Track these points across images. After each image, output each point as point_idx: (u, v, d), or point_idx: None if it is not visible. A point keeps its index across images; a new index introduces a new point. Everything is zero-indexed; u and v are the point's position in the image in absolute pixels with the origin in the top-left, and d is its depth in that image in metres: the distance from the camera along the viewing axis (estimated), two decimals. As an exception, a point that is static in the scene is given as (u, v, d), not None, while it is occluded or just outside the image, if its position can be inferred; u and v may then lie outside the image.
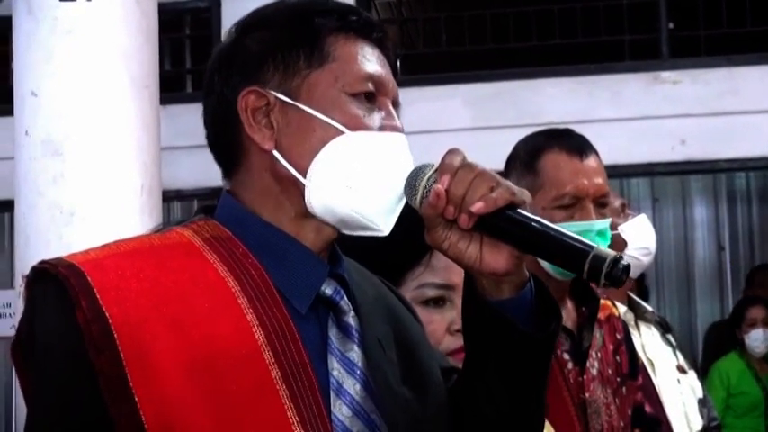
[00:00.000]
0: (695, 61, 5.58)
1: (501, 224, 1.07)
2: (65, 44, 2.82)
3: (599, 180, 1.96)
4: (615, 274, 1.04)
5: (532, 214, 1.09)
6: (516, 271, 1.11)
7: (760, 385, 4.70)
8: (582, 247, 1.06)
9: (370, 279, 1.26)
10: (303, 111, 1.13)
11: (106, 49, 2.85)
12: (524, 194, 1.09)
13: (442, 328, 1.52)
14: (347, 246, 1.21)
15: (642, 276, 4.59)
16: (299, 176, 1.12)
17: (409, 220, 1.14)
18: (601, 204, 1.97)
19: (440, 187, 1.08)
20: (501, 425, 1.21)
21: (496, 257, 1.10)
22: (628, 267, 1.05)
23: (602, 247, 1.06)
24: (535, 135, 2.06)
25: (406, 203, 1.14)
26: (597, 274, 1.04)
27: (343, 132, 1.11)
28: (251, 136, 1.14)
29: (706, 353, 5.43)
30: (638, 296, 3.26)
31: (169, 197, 4.61)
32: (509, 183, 1.08)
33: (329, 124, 1.12)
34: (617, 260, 1.04)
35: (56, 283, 1.05)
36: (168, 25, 4.60)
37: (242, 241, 1.13)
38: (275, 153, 1.13)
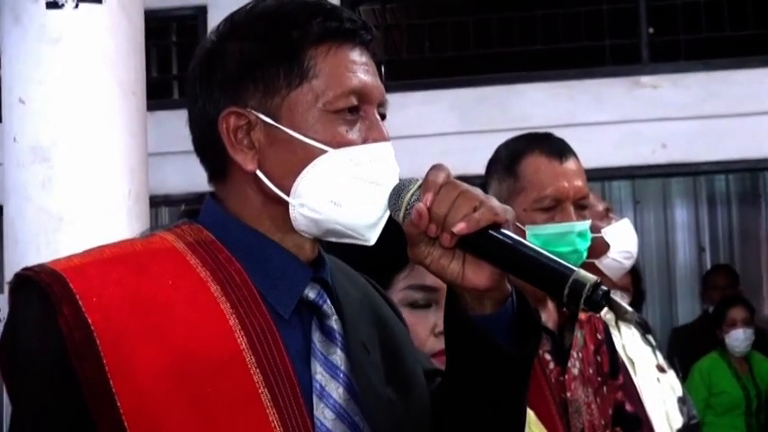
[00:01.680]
0: (675, 66, 5.59)
1: (483, 243, 1.07)
2: (52, 51, 2.82)
3: (579, 182, 1.97)
4: (595, 299, 1.03)
5: (515, 234, 1.09)
6: (498, 287, 1.11)
7: (740, 384, 4.72)
8: (562, 270, 1.05)
9: (355, 280, 1.26)
10: (285, 132, 1.10)
11: (93, 56, 2.84)
12: (507, 213, 1.08)
13: (427, 330, 1.53)
14: (337, 249, 1.21)
15: (639, 279, 4.60)
16: (282, 195, 1.11)
17: (397, 225, 1.12)
18: (581, 206, 1.97)
19: (422, 206, 1.06)
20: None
21: (478, 274, 1.09)
22: (607, 293, 1.05)
23: (582, 271, 1.05)
24: (516, 139, 2.07)
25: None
26: (577, 298, 1.03)
27: (325, 151, 1.09)
28: (233, 157, 1.12)
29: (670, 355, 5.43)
30: (635, 299, 3.27)
31: (156, 202, 4.59)
32: (493, 201, 1.07)
33: (312, 145, 1.09)
34: (597, 285, 1.03)
35: (38, 290, 1.04)
36: (155, 32, 4.60)
37: (225, 245, 1.12)
38: (258, 173, 1.12)
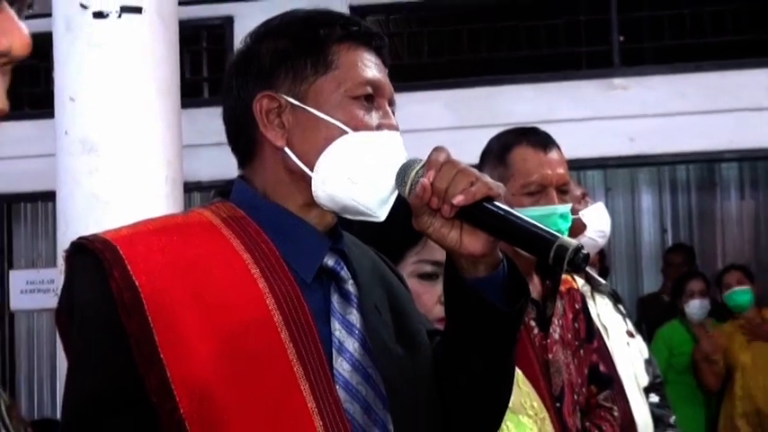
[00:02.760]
0: (642, 69, 5.58)
1: (478, 214, 1.07)
2: (98, 56, 2.81)
3: (561, 170, 1.97)
4: (576, 262, 1.03)
5: (506, 206, 1.09)
6: (491, 253, 1.11)
7: (696, 346, 4.72)
8: (548, 236, 1.05)
9: (367, 252, 1.26)
10: (310, 112, 1.12)
11: (134, 59, 2.83)
12: (500, 188, 1.08)
13: (434, 299, 1.53)
14: (358, 228, 1.21)
15: (603, 256, 4.61)
16: (307, 170, 1.11)
17: (408, 207, 1.12)
18: (563, 191, 1.97)
19: (426, 181, 1.07)
20: (473, 393, 1.20)
21: (474, 242, 1.09)
22: (587, 256, 1.04)
23: (566, 237, 1.05)
24: (506, 132, 2.06)
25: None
26: (561, 260, 1.03)
27: (346, 132, 1.10)
28: (265, 134, 1.13)
29: (639, 320, 5.44)
30: (601, 273, 3.28)
31: (190, 188, 4.59)
32: (487, 178, 1.08)
33: (334, 124, 1.11)
34: (578, 249, 1.03)
35: (92, 256, 1.04)
36: (188, 39, 4.58)
37: (254, 220, 1.13)
38: (286, 150, 1.12)
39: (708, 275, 5.17)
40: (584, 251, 1.04)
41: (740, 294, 4.56)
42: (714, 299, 4.94)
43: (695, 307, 4.69)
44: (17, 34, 0.63)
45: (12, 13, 0.64)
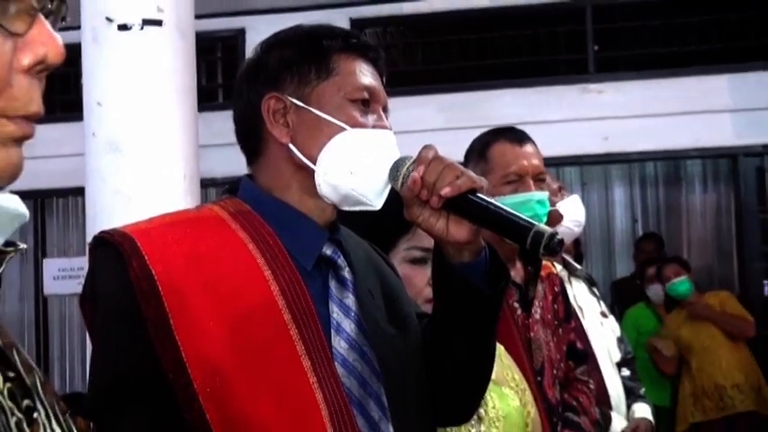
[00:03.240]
0: (615, 76, 5.57)
1: (463, 205, 1.07)
2: (122, 65, 2.80)
3: (536, 161, 1.97)
4: (551, 246, 1.03)
5: (488, 197, 1.09)
6: (474, 241, 1.11)
7: (661, 325, 4.72)
8: (526, 224, 1.05)
9: (362, 243, 1.26)
10: (313, 113, 1.12)
11: (155, 68, 2.83)
12: (482, 181, 1.09)
13: (424, 281, 1.53)
14: (354, 219, 1.21)
15: (579, 244, 4.61)
16: (310, 164, 1.12)
17: (401, 200, 1.13)
18: (539, 180, 1.97)
19: (416, 175, 1.07)
20: (458, 368, 1.20)
21: (459, 230, 1.09)
22: (561, 241, 1.05)
23: (542, 224, 1.05)
24: (485, 132, 2.07)
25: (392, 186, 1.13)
26: (537, 245, 1.03)
27: (344, 129, 1.11)
28: (271, 132, 1.14)
29: (612, 302, 5.44)
30: (576, 259, 3.28)
31: (206, 184, 4.57)
32: (471, 172, 1.08)
33: (334, 123, 1.11)
34: (553, 235, 1.03)
35: (113, 248, 1.04)
36: (204, 49, 4.56)
37: (259, 214, 1.13)
38: (291, 146, 1.13)
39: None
40: (558, 237, 1.04)
41: (679, 285, 4.54)
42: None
43: (656, 290, 4.68)
44: (52, 44, 0.63)
45: (47, 24, 0.64)
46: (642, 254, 5.51)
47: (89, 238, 1.12)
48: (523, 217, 1.06)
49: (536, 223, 1.05)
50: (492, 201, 1.08)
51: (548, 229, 1.04)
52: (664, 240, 5.90)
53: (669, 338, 4.58)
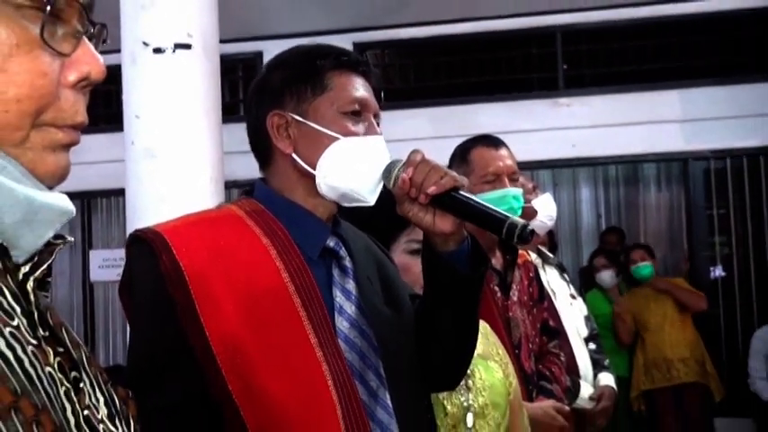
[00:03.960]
0: (582, 91, 5.56)
1: (447, 201, 1.07)
2: (157, 82, 2.80)
3: (510, 162, 1.97)
4: (524, 236, 1.03)
5: (469, 194, 1.09)
6: (458, 232, 1.11)
7: (611, 307, 4.68)
8: (501, 216, 1.05)
9: (361, 236, 1.26)
10: (311, 126, 1.12)
11: (185, 85, 2.83)
12: (464, 180, 1.08)
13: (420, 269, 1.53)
14: (359, 216, 1.21)
15: (553, 235, 4.61)
16: (311, 170, 1.12)
17: (394, 199, 1.12)
18: (513, 179, 1.98)
19: (405, 176, 1.07)
20: (445, 343, 1.19)
21: (444, 223, 1.09)
22: (533, 231, 1.04)
23: (516, 217, 1.05)
24: (466, 140, 2.07)
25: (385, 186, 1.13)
26: (512, 235, 1.03)
27: (338, 138, 1.10)
28: (276, 144, 1.13)
29: (580, 286, 5.41)
30: (550, 249, 3.28)
31: (229, 186, 4.55)
32: (454, 173, 1.08)
33: (329, 134, 1.11)
34: (525, 226, 1.03)
35: (146, 245, 1.05)
36: (227, 70, 4.55)
37: (271, 212, 1.13)
38: (294, 155, 1.13)
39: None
40: (530, 228, 1.04)
41: (643, 268, 4.55)
42: (625, 270, 4.85)
43: (604, 277, 4.66)
44: (95, 63, 0.63)
45: (90, 46, 0.64)
46: (607, 245, 5.50)
47: (128, 233, 1.12)
48: (500, 211, 1.06)
49: (510, 216, 1.05)
50: (472, 197, 1.08)
51: (520, 221, 1.04)
52: (625, 233, 5.91)
53: (627, 314, 4.59)
